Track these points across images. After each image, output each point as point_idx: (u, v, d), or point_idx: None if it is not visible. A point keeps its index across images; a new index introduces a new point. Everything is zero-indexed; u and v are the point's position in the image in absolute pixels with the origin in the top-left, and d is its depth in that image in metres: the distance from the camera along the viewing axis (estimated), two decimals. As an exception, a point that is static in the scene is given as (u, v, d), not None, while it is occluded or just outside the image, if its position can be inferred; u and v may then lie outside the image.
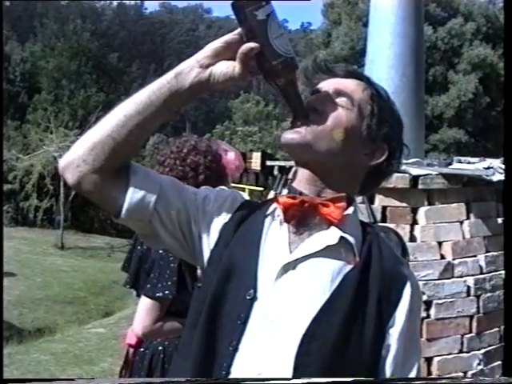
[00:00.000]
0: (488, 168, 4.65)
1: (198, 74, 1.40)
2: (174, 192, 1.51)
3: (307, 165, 1.47)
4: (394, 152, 1.53)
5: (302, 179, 1.49)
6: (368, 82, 1.54)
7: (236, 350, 1.40)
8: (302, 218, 1.46)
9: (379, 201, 4.35)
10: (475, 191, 4.57)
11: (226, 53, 1.40)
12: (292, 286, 1.42)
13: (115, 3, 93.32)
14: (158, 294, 2.77)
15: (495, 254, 4.51)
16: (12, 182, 23.38)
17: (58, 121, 25.53)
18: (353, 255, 1.45)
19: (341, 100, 1.46)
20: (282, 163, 5.66)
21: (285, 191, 1.52)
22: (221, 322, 1.43)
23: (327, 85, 1.49)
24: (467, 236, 4.46)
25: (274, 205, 1.51)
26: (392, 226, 4.25)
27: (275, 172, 5.69)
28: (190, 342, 1.47)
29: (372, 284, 1.44)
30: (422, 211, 4.37)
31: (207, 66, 1.40)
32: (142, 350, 3.05)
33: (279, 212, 1.48)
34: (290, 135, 1.43)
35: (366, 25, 6.21)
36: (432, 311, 4.28)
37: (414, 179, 4.32)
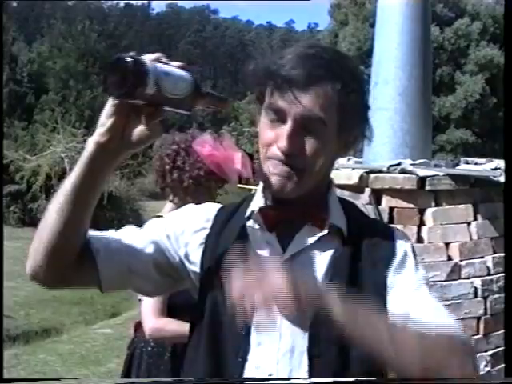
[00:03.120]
0: (495, 169, 4.63)
1: (106, 155, 1.33)
2: (142, 246, 1.50)
3: None
4: (364, 130, 1.49)
5: None
6: (333, 72, 1.38)
7: (245, 360, 1.40)
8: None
9: (386, 202, 4.34)
10: (482, 192, 4.56)
11: (121, 121, 1.31)
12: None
13: (122, 4, 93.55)
14: None
15: (503, 255, 4.48)
16: (19, 183, 23.40)
17: (65, 121, 25.56)
18: (342, 238, 1.46)
19: (313, 132, 1.38)
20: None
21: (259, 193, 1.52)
22: (224, 336, 1.43)
23: (292, 119, 1.37)
24: (474, 237, 4.45)
25: (252, 207, 1.50)
26: (399, 227, 4.24)
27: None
28: (195, 359, 1.47)
29: (363, 257, 1.44)
30: (429, 212, 4.35)
31: (110, 142, 1.31)
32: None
33: (257, 216, 1.48)
34: (282, 186, 1.39)
35: (373, 25, 6.19)
36: (439, 312, 4.26)
37: (421, 180, 4.31)
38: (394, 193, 4.31)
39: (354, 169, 4.52)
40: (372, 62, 5.21)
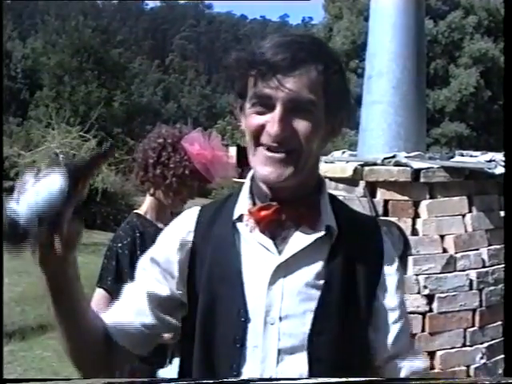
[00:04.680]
0: (490, 161, 4.63)
1: (58, 276, 1.37)
2: (142, 301, 1.51)
3: None
4: (348, 113, 1.47)
5: None
6: (314, 54, 1.36)
7: (240, 373, 1.39)
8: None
9: (381, 194, 4.33)
10: (477, 184, 4.55)
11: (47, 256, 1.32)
12: (287, 285, 1.40)
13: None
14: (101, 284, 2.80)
15: (498, 247, 4.49)
16: (14, 179, 23.34)
17: (59, 117, 25.47)
18: (332, 238, 1.43)
19: (303, 114, 1.35)
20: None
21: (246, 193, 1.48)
22: (217, 348, 1.42)
23: (281, 104, 1.34)
24: (469, 229, 4.45)
25: (240, 209, 1.46)
26: (394, 219, 4.25)
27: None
28: (188, 370, 1.46)
29: (354, 254, 1.43)
30: (423, 205, 4.35)
31: (47, 255, 1.32)
32: None
33: (247, 218, 1.44)
34: (279, 173, 1.35)
35: (367, 19, 6.19)
36: (434, 305, 4.27)
37: (416, 173, 4.30)
38: (389, 185, 4.30)
39: (348, 162, 4.52)
40: (366, 56, 5.20)
